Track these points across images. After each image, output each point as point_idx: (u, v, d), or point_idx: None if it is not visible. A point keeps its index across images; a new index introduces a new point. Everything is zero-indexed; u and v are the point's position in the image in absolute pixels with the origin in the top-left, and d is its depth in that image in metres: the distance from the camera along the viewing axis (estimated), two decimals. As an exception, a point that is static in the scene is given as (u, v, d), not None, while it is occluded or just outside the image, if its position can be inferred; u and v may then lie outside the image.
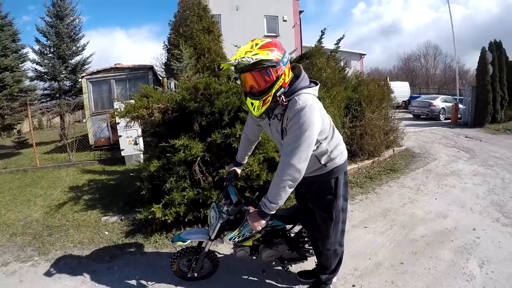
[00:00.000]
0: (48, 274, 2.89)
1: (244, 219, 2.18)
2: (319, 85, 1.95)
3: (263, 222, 1.90)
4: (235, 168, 2.44)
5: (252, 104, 1.83)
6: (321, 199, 2.08)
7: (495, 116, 11.96)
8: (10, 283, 2.77)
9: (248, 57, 1.65)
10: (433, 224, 3.65)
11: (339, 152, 2.07)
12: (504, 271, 2.69)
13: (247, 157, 2.52)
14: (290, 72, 1.82)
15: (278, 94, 1.76)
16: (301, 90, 1.79)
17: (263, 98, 1.77)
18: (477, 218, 3.78)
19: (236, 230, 2.28)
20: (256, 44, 1.71)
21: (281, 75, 1.73)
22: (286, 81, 1.77)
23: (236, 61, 1.65)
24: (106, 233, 3.65)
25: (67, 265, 3.04)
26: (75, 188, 5.42)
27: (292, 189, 1.81)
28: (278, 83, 1.74)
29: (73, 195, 4.99)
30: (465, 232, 3.43)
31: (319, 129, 1.81)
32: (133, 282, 2.72)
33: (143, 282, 2.70)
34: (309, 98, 1.77)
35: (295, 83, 1.81)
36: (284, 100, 1.78)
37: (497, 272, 2.69)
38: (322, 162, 1.99)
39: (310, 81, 1.91)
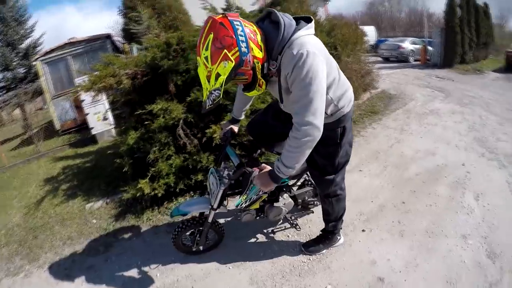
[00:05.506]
0: (43, 282, 2.60)
1: (249, 182, 1.99)
2: (313, 20, 1.61)
3: (274, 185, 1.73)
4: (231, 126, 2.20)
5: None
6: (325, 147, 1.84)
7: (463, 57, 12.41)
8: (7, 302, 2.47)
9: (215, 91, 1.47)
10: (424, 162, 3.71)
11: (348, 100, 1.86)
12: (499, 203, 2.78)
13: (244, 112, 2.26)
14: (259, 36, 1.51)
15: (265, 71, 1.59)
16: (292, 38, 1.51)
17: (257, 86, 1.60)
18: (464, 154, 3.89)
19: (243, 195, 2.09)
20: (207, 58, 1.43)
21: (253, 60, 1.49)
22: (260, 56, 1.52)
23: (209, 103, 1.49)
24: (94, 221, 3.38)
25: (61, 266, 2.75)
26: (50, 179, 4.98)
27: (311, 149, 1.59)
28: (257, 68, 1.53)
29: (49, 187, 4.58)
30: (455, 168, 3.52)
31: (325, 74, 1.55)
32: (135, 269, 2.52)
33: (146, 266, 2.52)
34: (304, 42, 1.50)
35: (279, 35, 1.51)
36: (274, 70, 1.59)
37: (493, 204, 2.77)
38: (329, 112, 1.79)
39: (298, 18, 1.60)
